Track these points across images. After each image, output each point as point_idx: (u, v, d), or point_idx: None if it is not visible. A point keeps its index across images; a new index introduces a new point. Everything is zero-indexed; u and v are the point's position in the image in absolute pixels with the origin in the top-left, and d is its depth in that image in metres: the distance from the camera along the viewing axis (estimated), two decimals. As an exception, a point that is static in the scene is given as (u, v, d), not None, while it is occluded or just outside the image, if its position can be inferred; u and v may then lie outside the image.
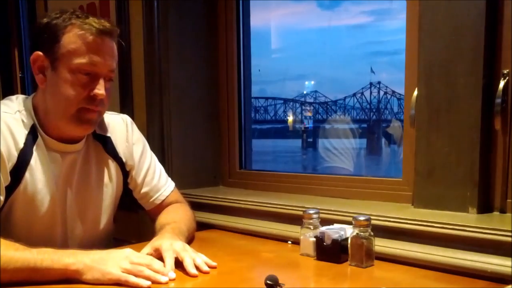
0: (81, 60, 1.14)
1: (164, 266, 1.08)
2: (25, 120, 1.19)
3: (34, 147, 1.19)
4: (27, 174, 1.18)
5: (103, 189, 1.33)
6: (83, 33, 1.14)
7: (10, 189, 1.17)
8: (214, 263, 1.14)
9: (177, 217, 1.35)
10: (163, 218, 1.35)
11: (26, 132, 1.18)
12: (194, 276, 1.07)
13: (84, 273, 1.03)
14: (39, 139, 1.20)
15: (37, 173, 1.20)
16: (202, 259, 1.13)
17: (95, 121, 1.21)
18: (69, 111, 1.16)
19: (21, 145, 1.17)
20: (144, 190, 1.39)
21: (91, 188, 1.30)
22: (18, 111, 1.20)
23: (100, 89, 1.16)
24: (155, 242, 1.17)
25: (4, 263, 1.00)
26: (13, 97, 1.25)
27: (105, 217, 1.34)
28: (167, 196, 1.41)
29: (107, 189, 1.34)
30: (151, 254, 1.13)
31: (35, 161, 1.19)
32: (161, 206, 1.41)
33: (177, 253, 1.12)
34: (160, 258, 1.11)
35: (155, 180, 1.40)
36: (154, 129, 1.80)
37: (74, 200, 1.28)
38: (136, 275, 1.02)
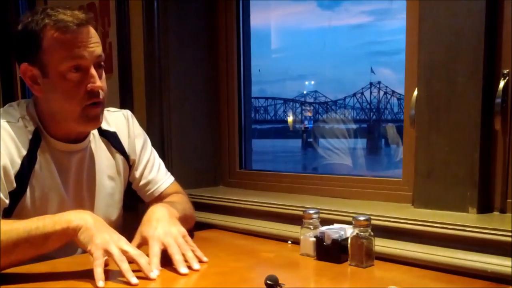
0: (67, 62, 1.13)
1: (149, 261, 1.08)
2: (28, 126, 1.20)
3: (38, 152, 1.20)
4: (32, 180, 1.19)
5: (113, 183, 1.34)
6: (59, 34, 1.12)
7: (17, 196, 1.17)
8: (205, 258, 1.15)
9: (171, 199, 1.37)
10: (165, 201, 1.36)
11: (29, 137, 1.19)
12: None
13: (81, 231, 1.04)
14: (43, 143, 1.21)
15: (42, 177, 1.20)
16: (192, 254, 1.13)
17: (101, 114, 1.21)
18: (74, 112, 1.17)
19: (24, 151, 1.17)
20: (142, 182, 1.40)
21: (101, 183, 1.32)
22: (21, 117, 1.20)
23: (94, 82, 1.15)
24: (142, 230, 1.16)
25: (5, 233, 1.01)
26: (15, 104, 1.25)
27: (116, 211, 1.36)
28: (166, 188, 1.42)
29: (116, 183, 1.35)
30: (139, 244, 1.14)
31: (39, 166, 1.20)
32: (160, 198, 1.41)
33: (165, 246, 1.12)
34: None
35: (154, 173, 1.41)
36: (154, 128, 1.80)
37: (86, 197, 1.29)
38: (118, 265, 1.02)
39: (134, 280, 1.01)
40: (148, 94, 1.83)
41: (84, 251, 1.27)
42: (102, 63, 1.20)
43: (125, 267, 1.02)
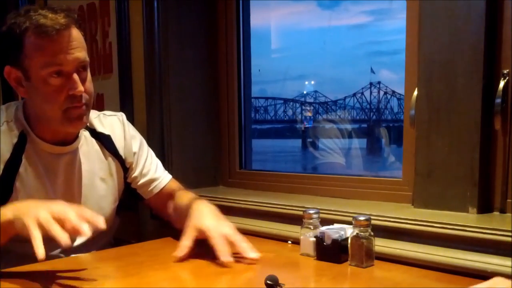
0: (48, 67, 1.12)
1: (219, 255, 1.10)
2: (13, 130, 1.20)
3: (24, 155, 1.20)
4: (17, 184, 1.20)
5: (105, 185, 1.35)
6: (39, 40, 1.11)
7: (3, 200, 1.17)
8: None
9: (191, 194, 1.38)
10: (183, 196, 1.37)
11: (14, 141, 1.20)
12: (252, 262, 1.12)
13: (15, 223, 0.99)
14: (29, 146, 1.21)
15: (28, 180, 1.21)
16: (247, 244, 1.16)
17: (85, 114, 1.21)
18: (56, 115, 1.17)
19: (7, 155, 1.18)
20: (142, 181, 1.41)
21: (93, 185, 1.32)
22: (6, 121, 1.21)
23: (76, 87, 1.14)
24: (197, 223, 1.18)
25: None
26: (3, 107, 1.26)
27: (109, 212, 1.36)
28: (166, 185, 1.42)
29: (108, 185, 1.35)
30: (196, 237, 1.16)
31: (25, 169, 1.20)
32: (160, 195, 1.42)
33: (227, 238, 1.14)
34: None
35: (152, 171, 1.42)
36: (154, 129, 1.80)
37: (76, 199, 1.29)
38: (47, 229, 0.95)
39: (64, 238, 0.94)
40: (148, 94, 1.83)
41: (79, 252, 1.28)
42: (85, 66, 1.18)
43: (55, 230, 0.95)
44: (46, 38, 1.11)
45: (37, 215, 0.97)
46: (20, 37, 1.13)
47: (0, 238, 1.04)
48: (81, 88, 1.15)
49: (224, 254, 1.11)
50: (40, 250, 0.92)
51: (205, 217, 1.19)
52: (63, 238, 0.94)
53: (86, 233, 0.96)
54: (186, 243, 1.17)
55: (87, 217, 0.99)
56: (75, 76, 1.15)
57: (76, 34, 1.15)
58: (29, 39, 1.12)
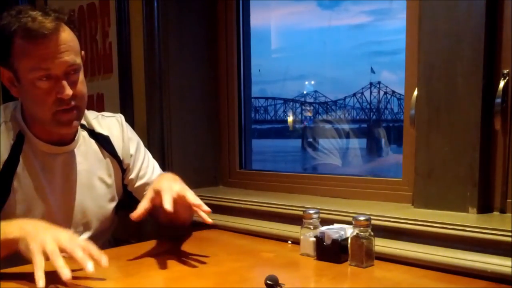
0: (36, 72, 1.12)
1: (164, 203, 1.10)
2: (11, 130, 1.21)
3: (21, 155, 1.21)
4: (15, 183, 1.20)
5: (104, 185, 1.35)
6: (26, 44, 1.10)
7: (0, 200, 1.19)
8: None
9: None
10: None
11: (12, 142, 1.20)
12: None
13: (20, 243, 1.01)
14: (26, 146, 1.22)
15: (25, 179, 1.21)
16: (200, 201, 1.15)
17: (75, 118, 1.20)
18: (46, 117, 1.17)
19: (5, 156, 1.18)
20: (138, 183, 1.40)
21: (92, 185, 1.32)
22: (4, 122, 1.22)
23: (63, 91, 1.13)
24: (155, 185, 1.19)
25: None
26: (1, 108, 1.26)
27: (108, 212, 1.37)
28: None
29: (107, 185, 1.36)
30: (153, 198, 1.16)
31: (22, 169, 1.21)
32: None
33: (178, 194, 1.14)
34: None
35: (149, 174, 1.42)
36: (154, 129, 1.80)
37: (76, 198, 1.29)
38: (51, 260, 0.96)
39: (66, 273, 0.95)
40: (148, 94, 1.83)
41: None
42: (76, 70, 1.17)
43: (59, 263, 0.96)
44: (33, 42, 1.10)
45: (43, 242, 0.98)
46: (9, 39, 1.12)
47: (0, 252, 1.04)
48: (69, 91, 1.14)
49: (167, 202, 1.10)
50: (41, 281, 0.94)
51: (163, 180, 1.21)
52: (65, 273, 0.95)
53: (90, 270, 0.97)
54: (143, 203, 1.17)
55: (92, 253, 1.01)
56: (63, 81, 1.14)
57: (65, 37, 1.14)
58: (17, 42, 1.12)
